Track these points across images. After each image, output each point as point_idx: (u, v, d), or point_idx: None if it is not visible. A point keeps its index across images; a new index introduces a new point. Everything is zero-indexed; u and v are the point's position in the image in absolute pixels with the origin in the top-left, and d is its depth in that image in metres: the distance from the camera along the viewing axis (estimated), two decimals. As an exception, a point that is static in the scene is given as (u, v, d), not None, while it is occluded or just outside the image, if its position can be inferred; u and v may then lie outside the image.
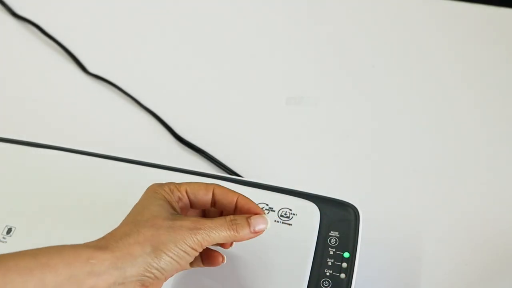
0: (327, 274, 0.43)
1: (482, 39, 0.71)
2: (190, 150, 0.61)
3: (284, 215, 0.46)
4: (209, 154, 0.59)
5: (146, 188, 0.42)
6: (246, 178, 0.54)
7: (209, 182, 0.41)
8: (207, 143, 0.61)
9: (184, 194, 0.41)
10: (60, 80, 0.70)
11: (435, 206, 0.56)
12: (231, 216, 0.40)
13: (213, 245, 0.39)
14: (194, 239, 0.37)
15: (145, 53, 0.72)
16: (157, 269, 0.36)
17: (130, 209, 0.47)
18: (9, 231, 0.46)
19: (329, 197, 0.47)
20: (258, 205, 0.45)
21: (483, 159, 0.60)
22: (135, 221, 0.38)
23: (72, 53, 0.71)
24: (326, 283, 0.43)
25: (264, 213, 0.40)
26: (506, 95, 0.66)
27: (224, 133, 0.63)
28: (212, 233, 0.38)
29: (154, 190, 0.40)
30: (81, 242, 0.44)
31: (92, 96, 0.68)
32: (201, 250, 0.38)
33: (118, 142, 0.62)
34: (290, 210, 0.46)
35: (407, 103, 0.65)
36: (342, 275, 0.43)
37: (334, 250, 0.44)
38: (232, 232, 0.39)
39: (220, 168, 0.58)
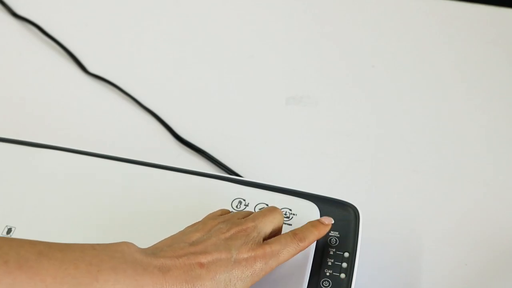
0: (327, 274, 0.43)
1: (482, 39, 0.71)
2: (190, 150, 0.60)
3: (284, 215, 0.46)
4: (209, 154, 0.59)
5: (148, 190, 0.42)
6: (246, 178, 0.54)
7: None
8: (207, 143, 0.61)
9: None
10: (60, 80, 0.70)
11: (435, 206, 0.56)
12: (292, 232, 0.41)
13: None
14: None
15: (145, 53, 0.72)
16: None
17: (130, 209, 0.47)
18: (9, 231, 0.46)
19: (329, 197, 0.47)
20: (258, 205, 0.46)
21: (483, 158, 0.59)
22: None
23: (72, 53, 0.71)
24: (326, 283, 0.43)
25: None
26: (506, 95, 0.65)
27: (224, 133, 0.63)
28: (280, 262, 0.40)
29: None
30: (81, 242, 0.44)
31: (92, 96, 0.67)
32: None
33: (118, 142, 0.62)
34: (290, 210, 0.46)
35: (407, 103, 0.65)
36: (342, 275, 0.43)
37: (334, 250, 0.44)
38: (298, 250, 0.41)
39: (220, 168, 0.58)
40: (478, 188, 0.57)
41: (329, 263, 0.43)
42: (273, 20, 0.75)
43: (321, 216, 0.46)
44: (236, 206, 0.47)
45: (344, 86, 0.67)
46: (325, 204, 0.47)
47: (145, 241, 0.40)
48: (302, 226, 0.43)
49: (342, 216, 0.46)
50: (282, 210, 0.46)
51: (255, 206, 0.47)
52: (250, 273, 0.38)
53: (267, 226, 0.41)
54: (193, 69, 0.70)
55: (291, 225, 0.45)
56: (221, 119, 0.64)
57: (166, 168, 0.50)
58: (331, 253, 0.44)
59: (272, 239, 0.41)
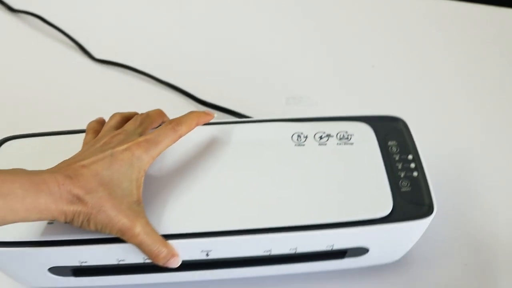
0: (402, 175, 0.47)
1: (482, 39, 0.72)
2: (214, 110, 0.62)
3: (343, 137, 0.49)
4: (233, 111, 0.61)
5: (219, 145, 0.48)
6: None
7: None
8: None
9: None
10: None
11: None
12: (169, 120, 0.45)
13: None
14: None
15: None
16: None
17: (216, 164, 0.48)
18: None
19: (375, 115, 0.51)
20: (316, 134, 0.49)
21: (483, 160, 0.60)
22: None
23: (77, 41, 0.71)
24: (405, 183, 0.46)
25: None
26: (505, 95, 0.66)
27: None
28: (160, 147, 0.44)
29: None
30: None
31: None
32: None
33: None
34: (346, 132, 0.50)
35: (407, 103, 0.65)
36: (415, 173, 0.47)
37: (398, 155, 0.48)
38: (176, 134, 0.45)
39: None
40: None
41: (399, 167, 0.47)
42: (273, 20, 0.75)
43: (374, 131, 0.50)
44: (297, 139, 0.49)
45: (344, 86, 0.67)
46: (372, 121, 0.50)
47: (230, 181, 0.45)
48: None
49: (393, 127, 0.50)
50: (339, 133, 0.49)
51: (314, 135, 0.49)
52: (128, 165, 0.42)
53: (134, 129, 0.45)
54: (193, 64, 0.70)
55: (352, 143, 0.49)
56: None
57: (227, 123, 0.51)
58: (397, 158, 0.48)
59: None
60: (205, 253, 0.44)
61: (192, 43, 0.73)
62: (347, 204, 0.45)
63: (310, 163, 0.47)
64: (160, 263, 0.43)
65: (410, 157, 0.48)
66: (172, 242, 0.43)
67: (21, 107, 0.65)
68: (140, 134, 0.46)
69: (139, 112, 0.49)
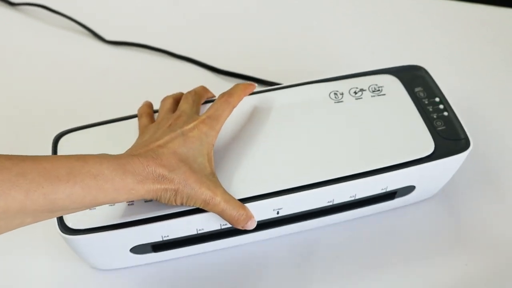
0: (434, 116, 0.52)
1: (482, 39, 0.71)
2: (230, 78, 0.65)
3: (375, 90, 0.54)
4: (248, 75, 0.64)
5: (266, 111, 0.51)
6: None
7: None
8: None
9: None
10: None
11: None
12: (220, 94, 0.49)
13: None
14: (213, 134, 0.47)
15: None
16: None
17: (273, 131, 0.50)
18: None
19: (397, 66, 0.55)
20: (351, 89, 0.53)
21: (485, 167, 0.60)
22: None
23: (87, 26, 0.71)
24: (439, 123, 0.51)
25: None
26: (506, 95, 0.65)
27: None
28: (221, 120, 0.47)
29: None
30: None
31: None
32: None
33: (167, 92, 0.61)
34: (376, 84, 0.54)
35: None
36: (445, 113, 0.52)
37: (426, 99, 0.53)
38: (230, 106, 0.49)
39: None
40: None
41: (430, 109, 0.52)
42: (273, 20, 0.76)
43: (401, 81, 0.54)
44: (335, 97, 0.53)
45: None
46: (396, 72, 0.55)
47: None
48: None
49: (416, 75, 0.55)
50: (370, 87, 0.53)
51: (349, 91, 0.53)
52: (199, 142, 0.46)
53: (190, 108, 0.49)
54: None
55: (385, 94, 0.53)
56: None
57: (265, 91, 0.53)
58: (426, 102, 0.53)
59: (207, 109, 0.49)
60: (276, 211, 0.48)
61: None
62: (395, 148, 0.49)
63: (353, 117, 0.52)
64: (240, 226, 0.47)
65: (437, 99, 0.53)
66: (247, 205, 0.46)
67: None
68: (196, 112, 0.49)
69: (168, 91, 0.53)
